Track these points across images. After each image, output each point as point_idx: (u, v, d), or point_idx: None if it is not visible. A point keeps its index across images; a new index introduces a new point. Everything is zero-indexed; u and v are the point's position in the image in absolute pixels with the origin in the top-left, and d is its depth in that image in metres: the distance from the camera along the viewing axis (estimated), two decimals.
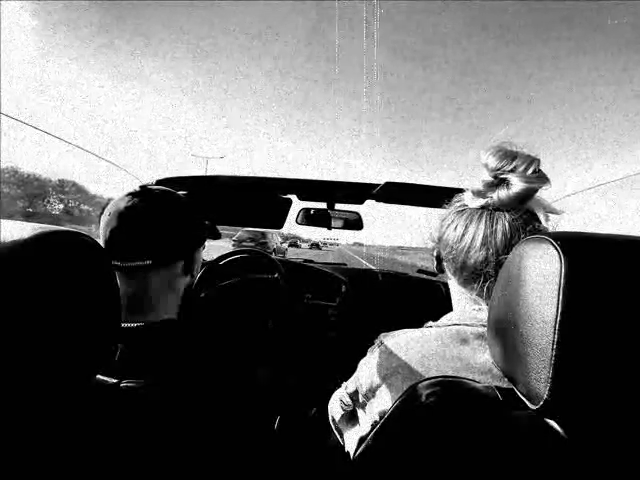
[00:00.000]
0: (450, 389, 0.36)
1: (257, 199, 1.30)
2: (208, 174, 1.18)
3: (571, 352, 0.26)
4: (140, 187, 0.54)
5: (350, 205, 1.35)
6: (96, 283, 0.32)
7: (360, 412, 0.51)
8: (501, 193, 0.42)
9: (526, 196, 0.42)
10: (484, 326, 0.43)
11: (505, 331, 0.32)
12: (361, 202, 1.26)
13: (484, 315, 0.45)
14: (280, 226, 1.31)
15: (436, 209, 0.55)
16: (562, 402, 0.27)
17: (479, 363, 0.40)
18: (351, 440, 0.50)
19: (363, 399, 0.49)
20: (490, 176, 0.44)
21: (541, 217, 0.42)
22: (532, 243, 0.30)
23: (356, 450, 0.46)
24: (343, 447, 0.54)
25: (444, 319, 0.50)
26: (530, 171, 0.41)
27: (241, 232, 13.58)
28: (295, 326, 1.46)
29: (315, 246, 40.97)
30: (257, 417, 0.51)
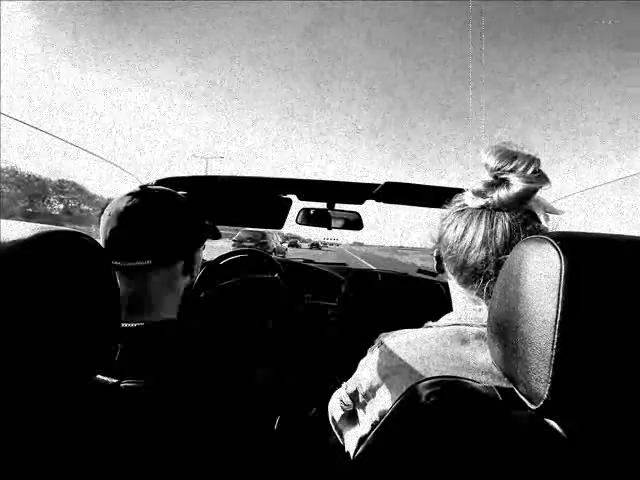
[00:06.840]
0: (450, 389, 0.36)
1: (257, 199, 1.30)
2: (208, 174, 1.18)
3: (571, 352, 0.26)
4: (140, 187, 0.54)
5: (350, 205, 1.35)
6: (96, 283, 0.32)
7: (360, 412, 0.51)
8: (501, 193, 0.42)
9: (526, 196, 0.42)
10: (484, 326, 0.43)
11: (505, 331, 0.32)
12: (361, 202, 1.26)
13: (484, 315, 0.45)
14: (280, 226, 1.31)
15: (436, 209, 0.55)
16: (562, 402, 0.27)
17: (479, 363, 0.40)
18: (351, 440, 0.50)
19: (363, 399, 0.49)
20: (490, 176, 0.44)
21: (541, 217, 0.42)
22: (532, 243, 0.30)
23: (356, 450, 0.46)
24: (343, 447, 0.54)
25: (444, 319, 0.50)
26: (530, 171, 0.41)
27: (241, 232, 13.56)
28: (295, 326, 1.46)
29: (315, 246, 40.93)
30: (257, 417, 0.51)
